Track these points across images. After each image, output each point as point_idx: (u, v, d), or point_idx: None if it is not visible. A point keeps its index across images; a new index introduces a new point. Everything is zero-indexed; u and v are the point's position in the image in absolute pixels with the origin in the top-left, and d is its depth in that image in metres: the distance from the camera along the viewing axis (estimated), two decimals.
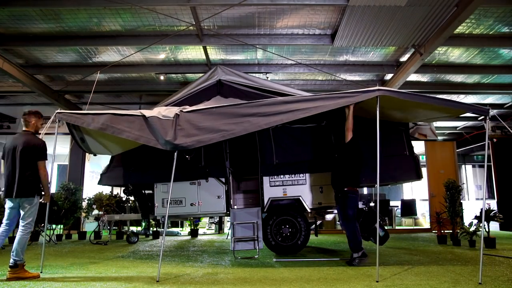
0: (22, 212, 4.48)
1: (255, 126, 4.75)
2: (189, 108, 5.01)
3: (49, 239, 8.48)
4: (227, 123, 4.77)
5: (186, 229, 11.27)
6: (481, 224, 7.22)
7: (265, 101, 4.93)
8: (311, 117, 6.18)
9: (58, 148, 12.51)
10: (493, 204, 10.71)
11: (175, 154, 4.75)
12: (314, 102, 4.74)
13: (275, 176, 6.10)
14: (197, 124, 4.79)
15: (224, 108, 4.94)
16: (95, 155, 6.86)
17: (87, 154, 11.53)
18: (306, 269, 4.92)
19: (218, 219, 11.19)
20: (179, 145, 4.67)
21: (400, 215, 11.77)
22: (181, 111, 4.87)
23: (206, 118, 4.84)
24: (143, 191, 7.17)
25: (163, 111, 4.90)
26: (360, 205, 6.20)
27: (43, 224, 8.37)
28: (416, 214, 11.84)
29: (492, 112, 4.52)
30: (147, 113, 4.91)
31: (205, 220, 11.71)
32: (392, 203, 11.51)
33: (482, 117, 4.68)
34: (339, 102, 4.70)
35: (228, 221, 10.18)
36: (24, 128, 4.72)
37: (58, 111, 5.07)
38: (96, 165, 12.26)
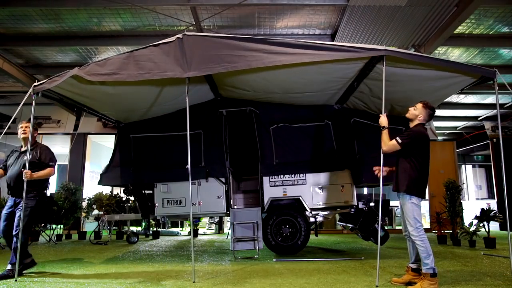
0: None
1: (258, 63, 4.52)
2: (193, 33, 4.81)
3: (49, 239, 8.49)
4: (230, 54, 4.54)
5: (186, 229, 11.27)
6: (481, 224, 7.25)
7: (272, 40, 4.67)
8: (312, 117, 6.25)
9: (59, 148, 12.62)
10: (493, 204, 10.71)
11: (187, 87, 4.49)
12: (320, 50, 4.50)
13: (275, 176, 6.10)
14: (199, 49, 4.57)
15: (229, 39, 4.67)
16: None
17: (87, 154, 11.53)
18: (306, 269, 4.91)
19: (218, 219, 11.18)
20: (185, 71, 4.45)
21: (400, 215, 11.74)
22: (184, 34, 4.64)
23: (209, 45, 4.61)
24: (143, 191, 7.17)
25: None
26: (360, 205, 6.22)
27: (43, 224, 8.39)
28: None
29: (499, 76, 4.50)
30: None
31: (205, 220, 11.71)
32: (392, 203, 11.49)
33: (490, 82, 4.59)
34: (344, 54, 4.50)
35: (228, 221, 10.18)
36: None
37: (35, 83, 4.70)
38: (96, 165, 12.26)
